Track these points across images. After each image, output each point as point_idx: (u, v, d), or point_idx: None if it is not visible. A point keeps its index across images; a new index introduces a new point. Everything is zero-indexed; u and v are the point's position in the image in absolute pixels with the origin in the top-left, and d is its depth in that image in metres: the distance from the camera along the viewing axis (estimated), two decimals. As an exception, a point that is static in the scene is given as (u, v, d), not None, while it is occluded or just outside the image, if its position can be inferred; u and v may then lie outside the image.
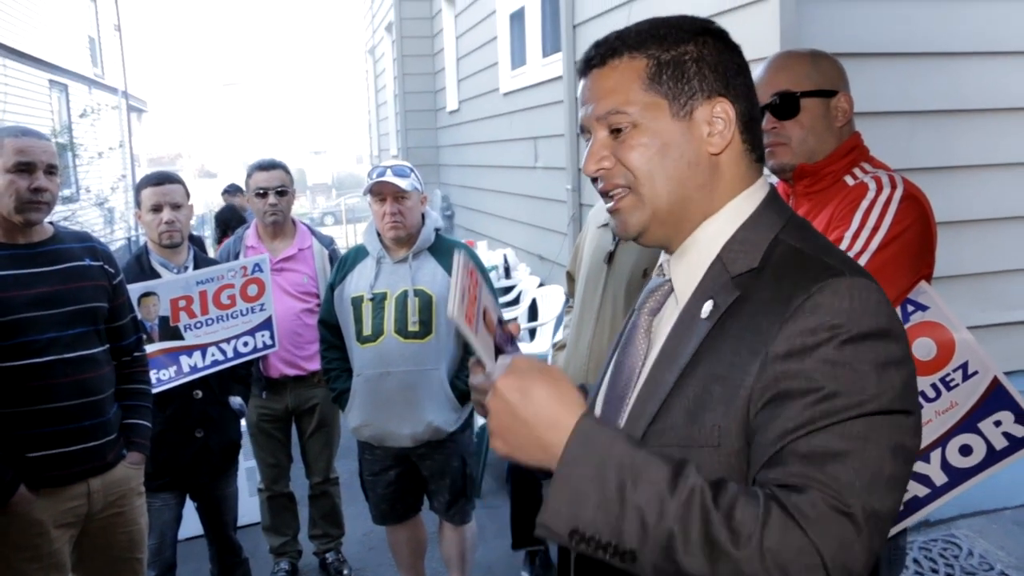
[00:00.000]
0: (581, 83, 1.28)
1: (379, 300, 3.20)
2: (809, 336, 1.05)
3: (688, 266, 1.23)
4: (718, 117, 1.20)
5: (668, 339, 1.21)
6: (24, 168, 2.46)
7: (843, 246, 1.90)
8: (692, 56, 1.20)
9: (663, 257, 1.31)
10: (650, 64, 1.20)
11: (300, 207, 34.06)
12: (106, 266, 2.71)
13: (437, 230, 3.34)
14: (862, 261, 1.87)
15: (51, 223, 2.66)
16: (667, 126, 1.20)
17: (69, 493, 2.58)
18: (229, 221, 8.43)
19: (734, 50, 1.25)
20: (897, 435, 1.04)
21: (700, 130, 1.20)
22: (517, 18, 7.81)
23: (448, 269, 3.22)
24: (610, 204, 1.25)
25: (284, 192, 3.85)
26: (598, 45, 1.24)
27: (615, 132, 1.22)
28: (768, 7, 3.51)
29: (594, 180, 1.27)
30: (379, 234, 3.26)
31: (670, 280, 1.26)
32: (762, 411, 1.06)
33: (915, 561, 3.62)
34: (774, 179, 2.22)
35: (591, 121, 1.24)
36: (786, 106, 2.03)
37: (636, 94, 1.20)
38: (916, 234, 1.93)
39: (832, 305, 1.06)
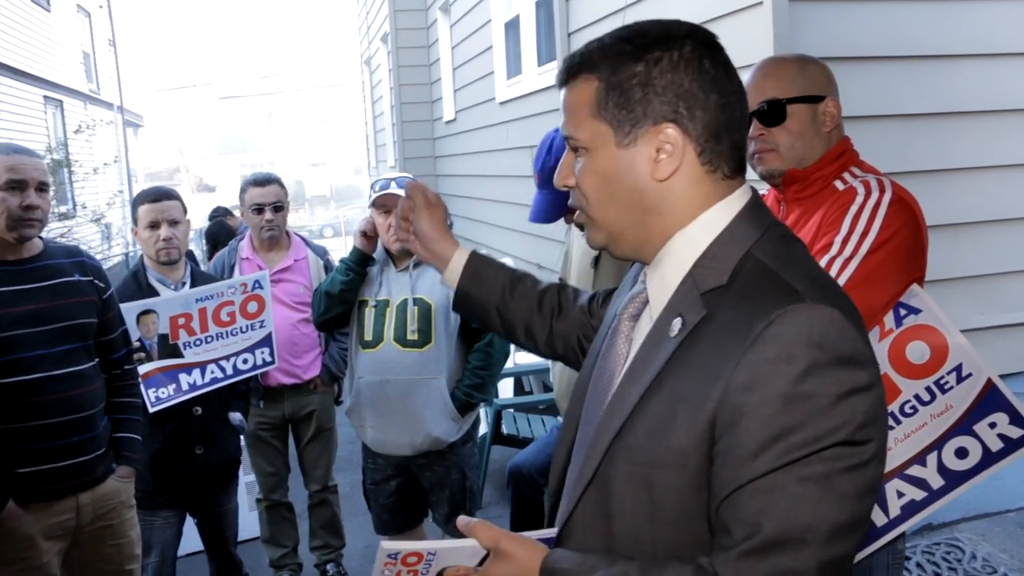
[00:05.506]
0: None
1: (382, 307, 3.23)
2: (768, 367, 1.03)
3: (661, 279, 1.21)
4: (665, 142, 1.16)
5: (638, 354, 1.21)
6: (15, 185, 2.47)
7: (833, 251, 1.90)
8: (640, 79, 1.15)
9: (638, 266, 1.31)
10: (599, 88, 1.18)
11: (299, 219, 34.01)
12: (96, 280, 2.71)
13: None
14: (852, 265, 1.87)
15: (40, 238, 2.65)
16: (611, 154, 1.18)
17: (58, 507, 2.57)
18: (219, 236, 8.32)
19: (704, 60, 1.16)
20: (858, 469, 1.02)
21: (645, 156, 1.17)
22: (512, 27, 7.82)
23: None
24: (579, 216, 1.26)
25: (280, 207, 3.86)
26: (569, 58, 1.23)
27: (574, 151, 1.23)
28: (761, 12, 3.51)
29: None
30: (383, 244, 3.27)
31: (646, 290, 1.26)
32: (723, 438, 1.05)
33: (918, 565, 3.61)
34: (765, 186, 2.22)
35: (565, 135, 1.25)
36: (773, 113, 2.03)
37: (585, 120, 1.19)
38: (906, 237, 1.93)
39: (789, 334, 1.03)
